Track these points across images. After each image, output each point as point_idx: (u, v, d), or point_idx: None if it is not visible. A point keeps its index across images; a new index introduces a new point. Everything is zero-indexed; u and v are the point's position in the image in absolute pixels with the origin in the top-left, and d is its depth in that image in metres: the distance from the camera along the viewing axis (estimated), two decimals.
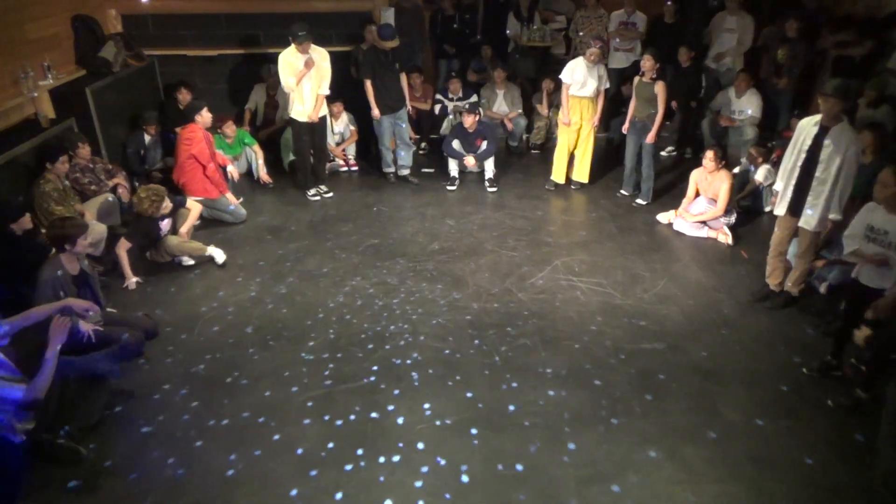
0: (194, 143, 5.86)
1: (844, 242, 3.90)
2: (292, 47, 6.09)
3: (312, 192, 6.63)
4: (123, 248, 5.01)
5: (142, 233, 5.13)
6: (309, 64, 6.09)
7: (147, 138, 6.49)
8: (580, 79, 6.44)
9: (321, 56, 6.23)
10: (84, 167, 5.57)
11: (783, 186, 4.52)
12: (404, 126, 6.86)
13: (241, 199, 6.30)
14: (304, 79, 6.13)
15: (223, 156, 6.41)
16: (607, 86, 6.56)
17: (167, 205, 5.15)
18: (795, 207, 4.45)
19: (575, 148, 6.80)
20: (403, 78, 6.72)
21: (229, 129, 6.72)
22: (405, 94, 6.77)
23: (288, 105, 6.36)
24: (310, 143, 6.47)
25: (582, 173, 6.84)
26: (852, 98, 4.18)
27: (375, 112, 6.60)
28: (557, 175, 6.87)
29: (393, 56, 6.49)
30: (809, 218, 4.34)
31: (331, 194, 6.73)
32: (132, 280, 5.00)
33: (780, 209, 4.55)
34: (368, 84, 6.51)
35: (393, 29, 6.47)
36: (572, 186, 6.89)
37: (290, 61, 6.08)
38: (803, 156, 4.32)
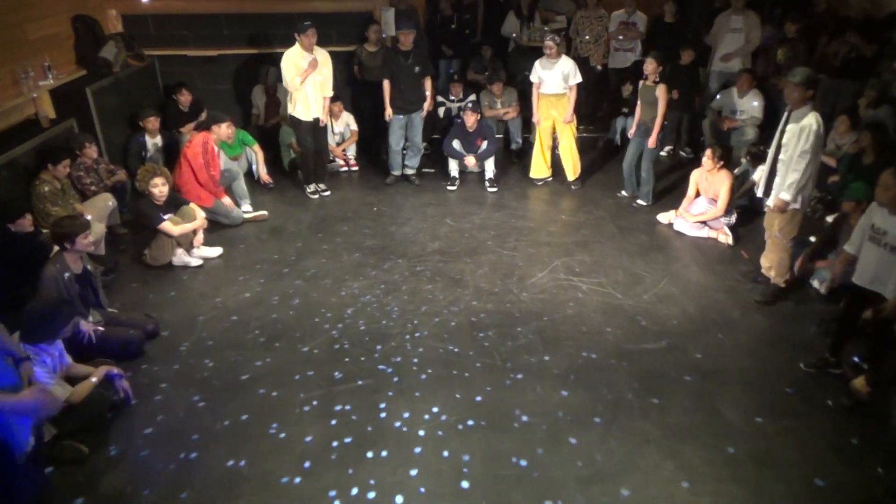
0: (191, 146, 5.85)
1: (850, 242, 3.91)
2: (297, 47, 6.10)
3: (311, 188, 6.63)
4: (167, 228, 5.08)
5: (140, 213, 5.14)
6: (313, 64, 6.11)
7: (148, 140, 6.48)
8: (542, 76, 6.54)
9: (324, 58, 6.25)
10: (88, 167, 5.57)
11: (764, 171, 4.71)
12: (418, 128, 6.84)
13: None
14: (308, 79, 6.14)
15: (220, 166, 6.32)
16: (578, 80, 6.56)
17: (159, 182, 5.11)
18: (767, 189, 4.63)
19: (557, 147, 6.88)
20: (428, 82, 6.68)
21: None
22: (426, 97, 6.71)
23: (290, 103, 6.36)
24: (312, 142, 6.48)
25: (570, 172, 6.86)
26: (816, 86, 4.37)
27: (388, 112, 6.59)
28: (534, 171, 7.00)
29: (413, 59, 6.48)
30: (772, 196, 4.56)
31: (328, 193, 6.74)
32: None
33: (759, 191, 4.80)
34: (386, 84, 6.52)
35: (405, 21, 6.50)
36: (572, 187, 6.90)
37: (294, 60, 6.09)
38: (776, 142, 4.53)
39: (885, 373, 3.63)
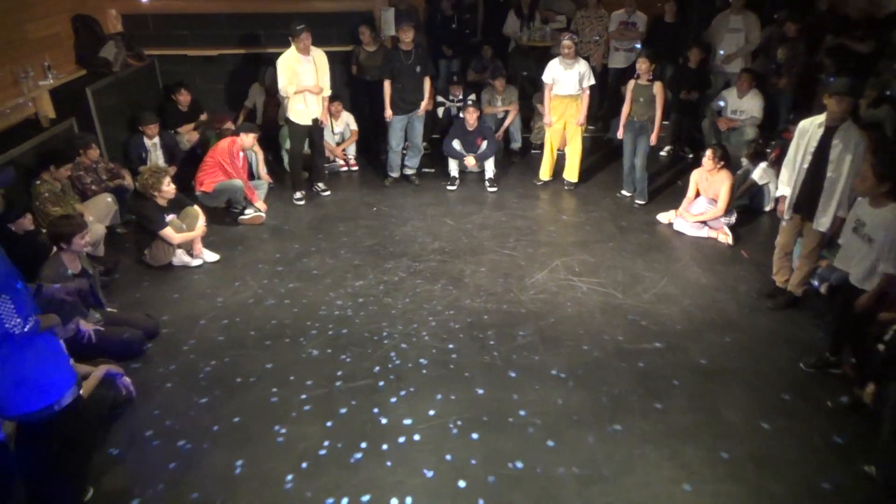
0: (217, 150, 6.07)
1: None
2: (292, 49, 6.07)
3: (298, 195, 6.59)
4: (169, 236, 5.08)
5: (142, 216, 5.14)
6: (314, 90, 6.16)
7: (147, 141, 6.47)
8: (558, 77, 6.49)
9: (321, 59, 6.22)
10: (88, 167, 5.58)
11: (790, 190, 4.46)
12: (418, 129, 6.83)
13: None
14: (306, 78, 6.12)
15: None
16: (592, 82, 6.52)
17: (167, 183, 5.13)
18: (806, 210, 4.42)
19: (563, 147, 6.85)
20: (427, 82, 6.66)
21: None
22: (425, 96, 6.67)
23: (287, 106, 6.35)
24: (304, 145, 6.49)
25: (571, 173, 6.85)
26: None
27: (388, 112, 6.58)
28: (543, 173, 6.98)
29: (414, 58, 6.47)
30: (823, 219, 4.31)
31: (328, 193, 6.74)
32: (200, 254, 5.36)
33: (789, 213, 4.53)
34: (387, 84, 6.51)
35: (404, 17, 6.50)
36: (565, 187, 6.89)
37: (290, 64, 6.05)
38: (809, 157, 4.29)
39: (866, 369, 3.67)
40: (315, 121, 6.37)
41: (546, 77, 6.58)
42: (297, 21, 6.08)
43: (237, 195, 6.03)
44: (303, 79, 6.11)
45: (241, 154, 6.23)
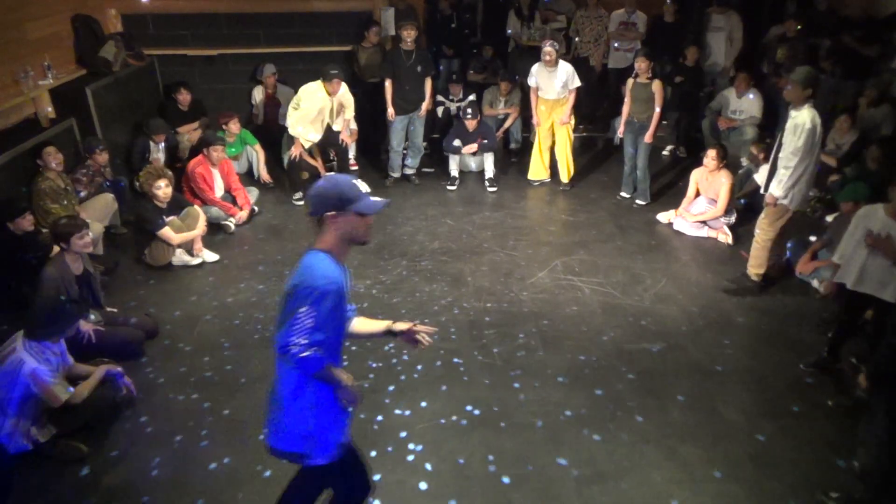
0: (187, 173, 5.94)
1: (839, 246, 3.89)
2: (321, 87, 6.10)
3: (298, 195, 6.57)
4: (167, 236, 5.08)
5: (140, 217, 5.15)
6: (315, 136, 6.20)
7: (152, 144, 6.47)
8: (540, 82, 6.51)
9: (345, 96, 6.29)
10: (97, 170, 5.59)
11: (766, 168, 4.77)
12: (419, 129, 6.82)
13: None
14: (319, 114, 6.16)
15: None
16: (577, 84, 6.48)
17: (162, 184, 5.12)
18: (767, 185, 4.66)
19: (554, 147, 6.86)
20: (428, 82, 6.65)
21: (234, 125, 6.69)
22: (426, 96, 6.67)
23: (289, 111, 6.30)
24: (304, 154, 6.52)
25: (563, 174, 6.85)
26: (817, 85, 4.38)
27: (391, 112, 6.58)
28: (533, 173, 6.97)
29: (416, 59, 6.47)
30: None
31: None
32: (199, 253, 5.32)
33: (762, 188, 4.83)
34: (388, 83, 6.51)
35: (405, 17, 6.50)
36: (561, 188, 6.89)
37: (315, 96, 6.07)
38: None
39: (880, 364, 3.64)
40: (335, 136, 6.42)
41: (531, 81, 6.60)
42: (331, 66, 6.13)
43: (218, 215, 5.95)
44: (317, 113, 6.18)
45: (215, 170, 6.00)
